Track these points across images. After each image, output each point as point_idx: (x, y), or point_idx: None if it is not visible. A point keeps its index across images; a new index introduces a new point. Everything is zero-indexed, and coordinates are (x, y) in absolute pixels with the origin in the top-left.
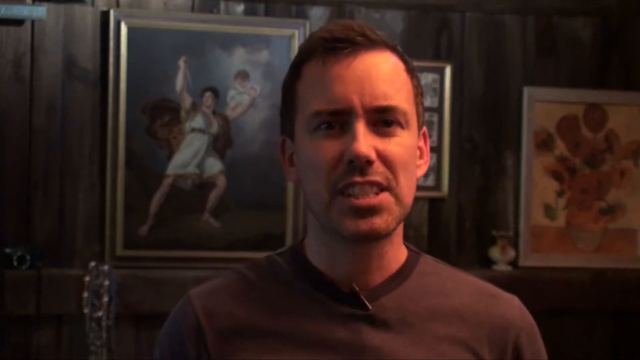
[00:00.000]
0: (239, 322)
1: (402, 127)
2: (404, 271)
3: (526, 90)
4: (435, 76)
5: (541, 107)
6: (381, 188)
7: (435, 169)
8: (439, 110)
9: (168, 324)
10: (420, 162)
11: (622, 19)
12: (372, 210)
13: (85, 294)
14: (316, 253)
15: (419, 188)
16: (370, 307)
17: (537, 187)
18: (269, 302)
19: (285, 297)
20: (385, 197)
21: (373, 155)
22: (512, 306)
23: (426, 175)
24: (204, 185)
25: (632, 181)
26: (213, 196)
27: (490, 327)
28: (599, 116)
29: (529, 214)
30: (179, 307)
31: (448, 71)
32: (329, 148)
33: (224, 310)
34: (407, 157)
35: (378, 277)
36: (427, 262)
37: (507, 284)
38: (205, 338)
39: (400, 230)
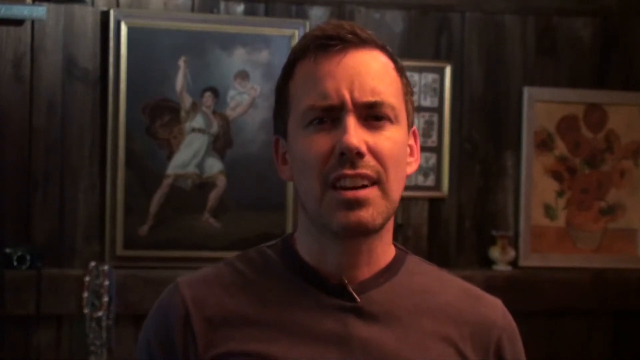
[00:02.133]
0: (228, 311)
1: (391, 122)
2: (393, 267)
3: (526, 90)
4: (435, 76)
5: (541, 107)
6: (371, 181)
7: (435, 169)
8: (439, 110)
9: (155, 312)
10: (410, 159)
11: (622, 19)
12: (359, 203)
13: (85, 294)
14: (306, 247)
15: (419, 188)
16: (359, 300)
17: (537, 187)
18: (259, 293)
19: (275, 288)
20: (372, 191)
21: (363, 148)
22: (495, 308)
23: (426, 175)
24: (204, 185)
25: (632, 181)
26: (213, 196)
27: (474, 326)
28: (599, 116)
29: (529, 214)
30: (166, 295)
31: (448, 71)
32: (321, 142)
33: (213, 299)
34: (397, 152)
35: (367, 272)
36: (414, 262)
37: (507, 284)
38: (193, 327)
39: (390, 227)
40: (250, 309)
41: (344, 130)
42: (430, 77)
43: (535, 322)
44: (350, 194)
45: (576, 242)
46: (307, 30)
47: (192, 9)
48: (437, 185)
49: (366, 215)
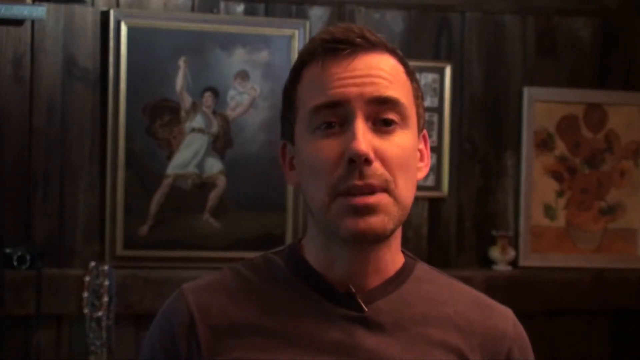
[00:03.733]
0: (233, 319)
1: (401, 127)
2: (401, 276)
3: (526, 90)
4: (435, 76)
5: (541, 107)
6: (380, 190)
7: (435, 169)
8: (439, 110)
9: (159, 318)
10: (420, 164)
11: (622, 19)
12: (369, 210)
13: (85, 294)
14: (314, 254)
15: (419, 188)
16: (366, 309)
17: (537, 187)
18: (264, 301)
19: (281, 296)
20: (382, 197)
21: (372, 154)
22: (506, 318)
23: (426, 175)
24: (204, 185)
25: (632, 181)
26: (213, 196)
27: (484, 337)
28: (599, 116)
29: (529, 214)
30: (172, 301)
31: (448, 71)
32: (329, 148)
33: (218, 306)
34: (407, 158)
35: (375, 280)
36: (424, 269)
37: (507, 284)
38: (198, 334)
39: (398, 234)
40: (255, 317)
41: (353, 135)
42: (430, 77)
43: (535, 322)
44: (359, 200)
45: (576, 242)
46: (307, 30)
47: (192, 9)
48: (437, 185)
49: (377, 221)
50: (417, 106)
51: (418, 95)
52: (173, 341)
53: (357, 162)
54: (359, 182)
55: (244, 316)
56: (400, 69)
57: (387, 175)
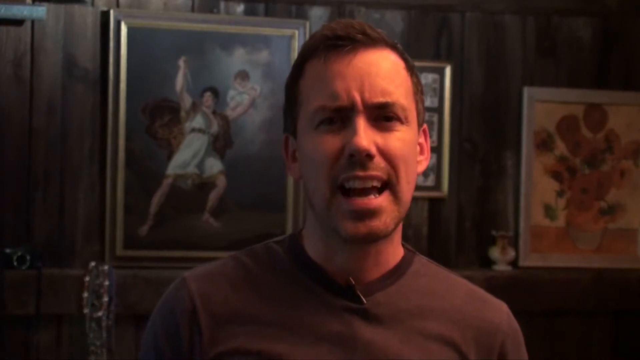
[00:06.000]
0: (235, 308)
1: (401, 122)
2: (400, 269)
3: (526, 90)
4: (435, 76)
5: (541, 107)
6: (382, 183)
7: (435, 169)
8: (439, 110)
9: (162, 305)
10: (420, 157)
11: (622, 19)
12: (371, 213)
13: (85, 294)
14: (313, 246)
15: (419, 188)
16: (365, 302)
17: (537, 187)
18: (265, 291)
19: (282, 286)
20: (384, 199)
21: (373, 150)
22: (500, 312)
23: (426, 175)
24: (204, 185)
25: (632, 181)
26: (213, 196)
27: (478, 330)
28: (599, 116)
29: (529, 214)
30: (174, 289)
31: (448, 71)
32: (330, 142)
33: (220, 295)
34: (407, 152)
35: (374, 273)
36: (422, 263)
37: (507, 284)
38: (199, 322)
39: (399, 228)
40: (256, 306)
41: (354, 131)
42: (430, 77)
43: (535, 322)
44: (361, 203)
45: (576, 242)
46: (307, 30)
47: (192, 9)
48: (437, 185)
49: (378, 224)
50: (417, 101)
51: (417, 90)
52: (175, 328)
53: (358, 157)
54: (360, 173)
55: (244, 305)
56: (400, 64)
57: (389, 169)
